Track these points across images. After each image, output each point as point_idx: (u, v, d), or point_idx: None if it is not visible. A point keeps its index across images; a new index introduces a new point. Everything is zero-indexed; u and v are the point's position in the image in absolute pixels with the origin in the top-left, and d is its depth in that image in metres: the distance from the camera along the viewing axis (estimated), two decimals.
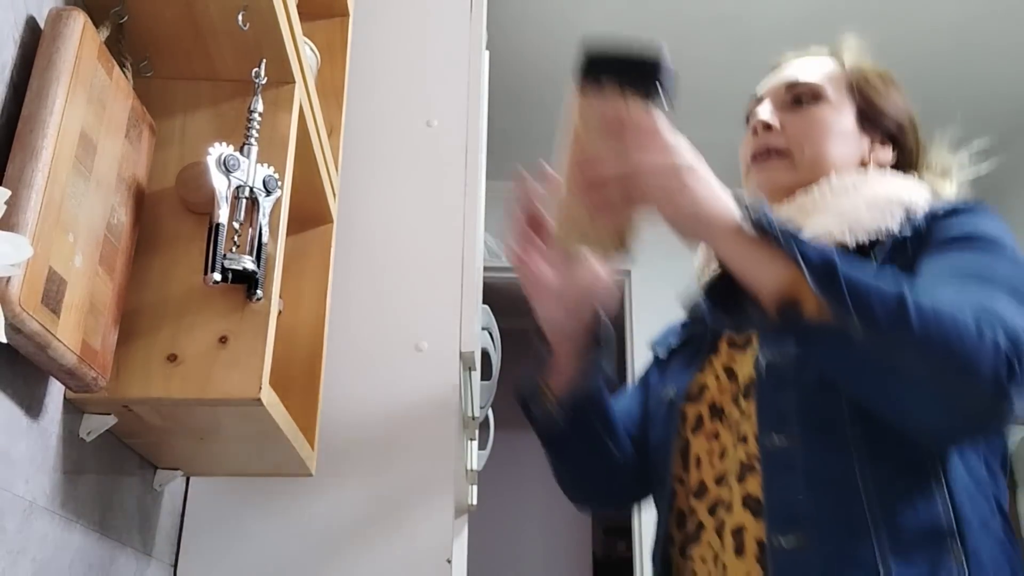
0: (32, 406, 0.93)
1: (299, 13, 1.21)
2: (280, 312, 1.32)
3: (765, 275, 0.88)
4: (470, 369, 1.68)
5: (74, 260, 0.87)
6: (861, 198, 1.07)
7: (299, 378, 1.34)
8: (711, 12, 2.84)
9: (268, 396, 1.04)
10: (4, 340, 0.72)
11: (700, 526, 1.06)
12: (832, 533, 0.93)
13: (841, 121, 1.16)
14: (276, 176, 1.08)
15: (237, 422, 1.09)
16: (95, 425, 1.04)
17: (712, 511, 1.05)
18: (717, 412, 1.09)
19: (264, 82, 1.11)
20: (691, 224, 0.90)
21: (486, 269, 2.09)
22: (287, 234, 1.15)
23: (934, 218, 1.03)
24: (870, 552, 0.91)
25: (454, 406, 1.56)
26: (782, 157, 1.18)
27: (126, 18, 1.03)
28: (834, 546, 0.93)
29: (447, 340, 1.59)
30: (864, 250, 1.04)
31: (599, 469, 1.20)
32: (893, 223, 1.04)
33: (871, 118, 1.18)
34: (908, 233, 1.02)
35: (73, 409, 1.02)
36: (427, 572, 1.45)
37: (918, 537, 0.91)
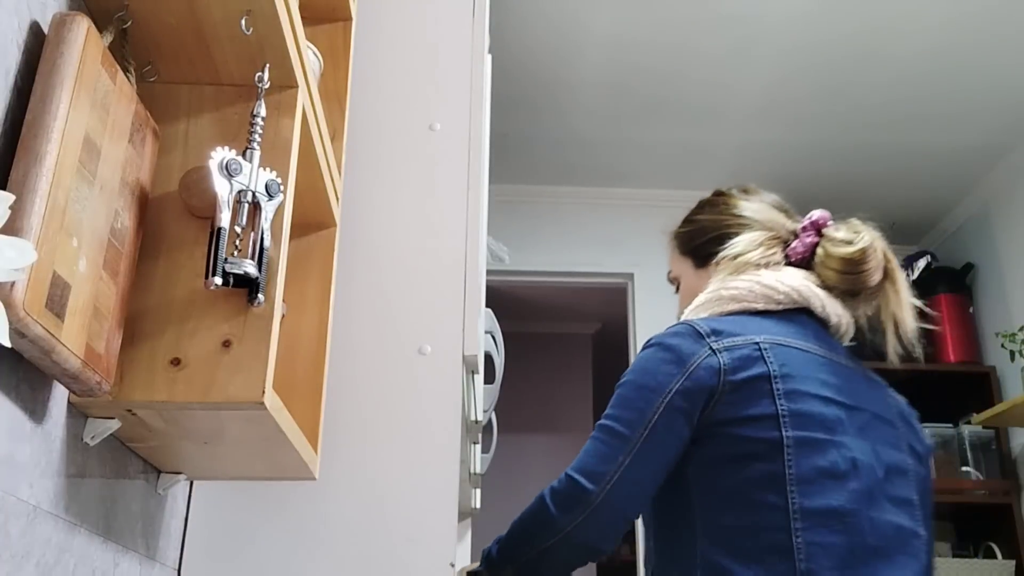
0: (36, 410, 0.93)
1: (302, 17, 1.21)
2: (283, 316, 1.32)
3: None
4: (473, 372, 1.68)
5: (78, 264, 0.87)
6: None
7: (302, 382, 1.34)
8: (711, 14, 2.83)
9: (271, 400, 1.04)
10: (8, 344, 0.73)
11: None
12: None
13: (689, 283, 1.49)
14: (279, 180, 1.08)
15: (240, 426, 1.09)
16: (99, 429, 1.04)
17: None
18: None
19: (267, 86, 1.11)
20: None
21: (489, 273, 2.10)
22: (290, 238, 1.15)
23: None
24: None
25: (457, 410, 1.56)
26: None
27: (130, 23, 1.03)
28: None
29: (450, 344, 1.59)
30: None
31: None
32: None
33: (702, 255, 1.47)
34: None
35: (77, 413, 1.02)
36: None
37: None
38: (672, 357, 1.25)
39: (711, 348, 1.25)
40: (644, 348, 1.32)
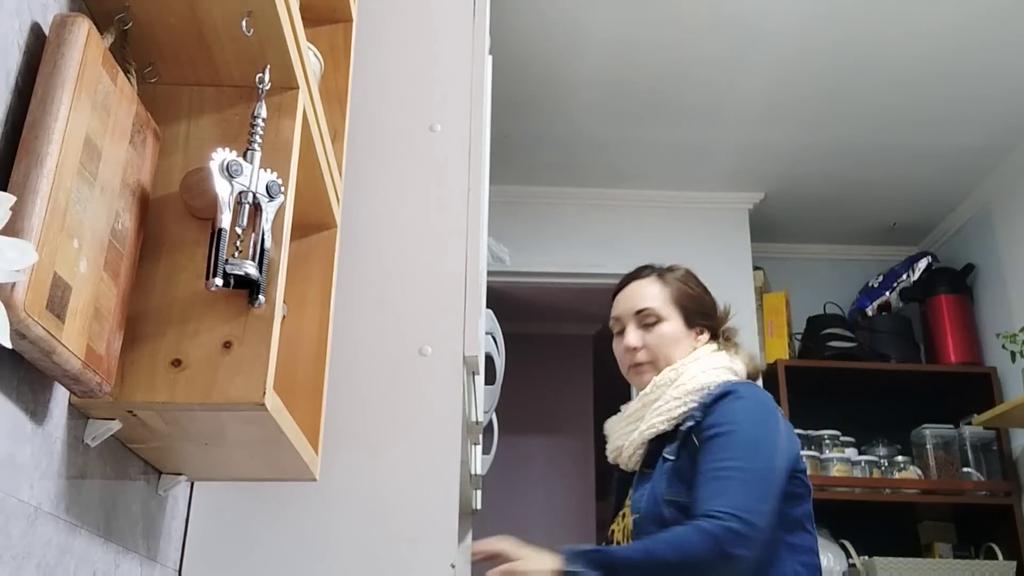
0: (37, 411, 0.93)
1: (303, 18, 1.21)
2: (284, 317, 1.32)
3: None
4: (474, 373, 1.68)
5: (79, 266, 0.87)
6: (674, 392, 1.61)
7: (303, 383, 1.34)
8: (712, 15, 2.83)
9: (272, 401, 1.04)
10: (9, 346, 0.73)
11: None
12: None
13: (676, 330, 1.70)
14: (279, 181, 1.08)
15: (241, 427, 1.09)
16: (99, 430, 1.04)
17: None
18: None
19: (268, 87, 1.11)
20: None
21: (490, 273, 2.10)
22: (291, 239, 1.15)
23: (705, 407, 1.56)
24: None
25: (458, 410, 1.56)
26: (650, 364, 1.70)
27: (130, 24, 1.03)
28: None
29: (451, 344, 1.59)
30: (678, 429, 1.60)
31: None
32: (687, 411, 1.58)
33: (692, 319, 1.72)
34: (692, 423, 1.56)
35: (78, 414, 1.02)
36: None
37: None
38: (771, 418, 1.57)
39: (779, 417, 1.59)
40: (736, 399, 1.54)
